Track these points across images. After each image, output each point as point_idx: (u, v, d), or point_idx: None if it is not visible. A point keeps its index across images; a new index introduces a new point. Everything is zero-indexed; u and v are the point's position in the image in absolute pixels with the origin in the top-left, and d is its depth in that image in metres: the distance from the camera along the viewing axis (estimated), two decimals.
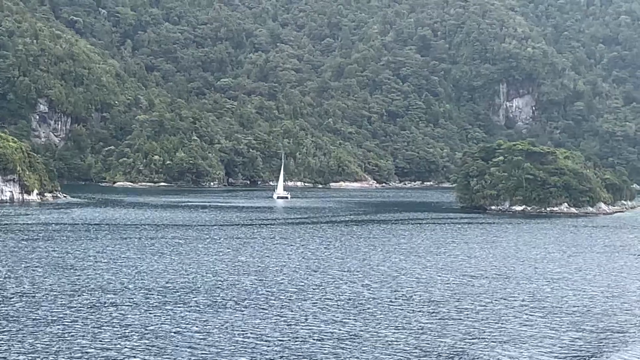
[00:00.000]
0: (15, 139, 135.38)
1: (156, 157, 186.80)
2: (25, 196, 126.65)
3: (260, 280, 57.96)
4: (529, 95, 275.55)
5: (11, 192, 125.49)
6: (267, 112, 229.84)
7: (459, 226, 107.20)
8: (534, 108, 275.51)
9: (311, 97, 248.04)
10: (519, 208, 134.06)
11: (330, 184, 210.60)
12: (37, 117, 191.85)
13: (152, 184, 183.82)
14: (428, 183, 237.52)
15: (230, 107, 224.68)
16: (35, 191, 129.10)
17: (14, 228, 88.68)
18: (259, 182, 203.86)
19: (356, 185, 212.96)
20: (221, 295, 51.89)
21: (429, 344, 41.06)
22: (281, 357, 38.26)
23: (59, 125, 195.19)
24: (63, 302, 48.19)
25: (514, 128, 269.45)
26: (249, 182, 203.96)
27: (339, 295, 53.01)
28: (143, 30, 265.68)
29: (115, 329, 42.13)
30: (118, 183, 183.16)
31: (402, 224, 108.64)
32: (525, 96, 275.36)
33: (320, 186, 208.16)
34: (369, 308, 48.97)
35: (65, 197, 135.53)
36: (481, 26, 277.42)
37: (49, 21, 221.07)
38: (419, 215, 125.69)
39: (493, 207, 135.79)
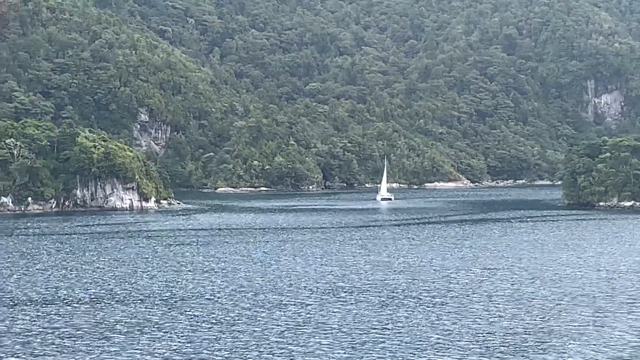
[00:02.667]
0: (131, 148, 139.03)
1: (255, 162, 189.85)
2: (144, 203, 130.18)
3: (416, 278, 59.77)
4: (617, 91, 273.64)
5: (130, 199, 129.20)
6: (358, 115, 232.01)
7: (576, 222, 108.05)
8: (622, 103, 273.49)
9: (400, 99, 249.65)
10: (627, 204, 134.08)
11: (425, 184, 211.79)
12: (139, 127, 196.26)
13: (252, 188, 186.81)
14: (520, 181, 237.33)
15: (323, 111, 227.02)
16: (153, 198, 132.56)
17: (152, 234, 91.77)
18: (355, 185, 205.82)
19: (451, 185, 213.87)
20: (391, 292, 53.78)
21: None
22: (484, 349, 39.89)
23: (159, 134, 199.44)
24: (250, 303, 50.51)
25: (602, 124, 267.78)
26: (345, 184, 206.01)
27: (504, 291, 54.56)
28: (230, 38, 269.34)
29: (306, 326, 44.21)
30: (220, 189, 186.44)
31: (519, 221, 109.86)
32: (614, 92, 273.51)
33: (415, 187, 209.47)
34: (539, 304, 50.46)
35: (179, 203, 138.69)
36: (567, 23, 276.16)
37: (143, 31, 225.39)
38: (530, 212, 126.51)
39: (601, 204, 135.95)
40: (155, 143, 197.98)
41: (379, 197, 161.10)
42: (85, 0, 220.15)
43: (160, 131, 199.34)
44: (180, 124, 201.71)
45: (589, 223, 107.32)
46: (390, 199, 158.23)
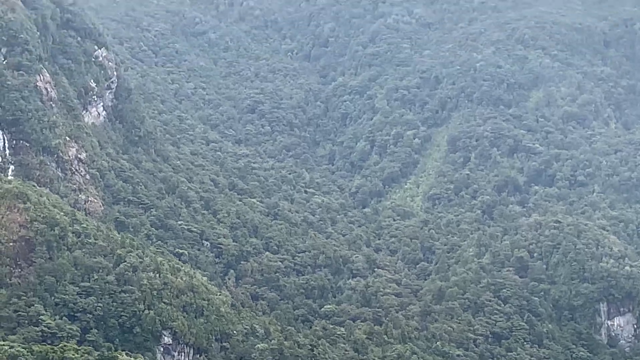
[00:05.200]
0: None
1: None
2: None
3: None
4: (629, 314, 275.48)
5: None
6: (377, 338, 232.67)
7: None
8: (635, 326, 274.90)
9: (416, 321, 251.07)
10: None
11: None
12: (162, 349, 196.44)
13: None
14: None
15: (341, 334, 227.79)
16: None
17: None
18: None
19: None
20: None
21: None
22: None
23: (182, 356, 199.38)
24: None
25: (617, 346, 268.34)
26: None
27: None
28: (245, 260, 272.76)
29: None
30: None
31: None
32: (626, 314, 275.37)
33: None
34: None
35: None
36: (577, 246, 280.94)
37: (164, 255, 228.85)
38: None
39: None
40: None
41: None
42: (109, 224, 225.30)
43: (182, 354, 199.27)
44: (203, 347, 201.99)
45: None
46: None
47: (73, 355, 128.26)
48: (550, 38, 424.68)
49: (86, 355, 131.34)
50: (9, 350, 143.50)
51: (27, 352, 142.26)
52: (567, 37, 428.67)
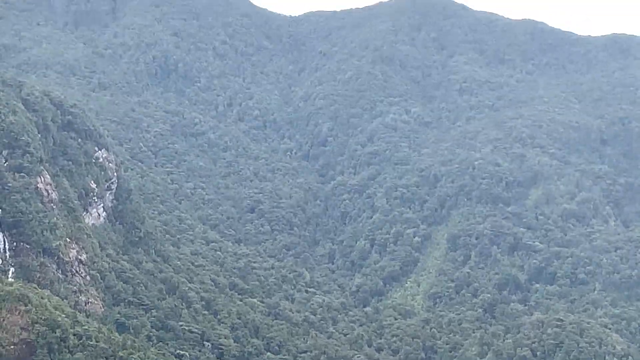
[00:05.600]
0: None
1: None
2: None
3: None
4: None
5: None
6: None
7: None
8: None
9: None
10: None
11: None
12: None
13: None
14: None
15: None
16: None
17: None
18: None
19: None
20: None
21: None
22: None
23: None
24: None
25: None
26: None
27: None
28: None
29: None
30: None
31: None
32: None
33: None
34: None
35: None
36: (580, 345, 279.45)
37: (165, 356, 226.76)
38: None
39: None
40: None
41: None
42: (110, 325, 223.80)
43: None
44: None
45: None
46: None
47: None
48: (548, 136, 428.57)
49: None
50: None
51: None
52: (564, 135, 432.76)
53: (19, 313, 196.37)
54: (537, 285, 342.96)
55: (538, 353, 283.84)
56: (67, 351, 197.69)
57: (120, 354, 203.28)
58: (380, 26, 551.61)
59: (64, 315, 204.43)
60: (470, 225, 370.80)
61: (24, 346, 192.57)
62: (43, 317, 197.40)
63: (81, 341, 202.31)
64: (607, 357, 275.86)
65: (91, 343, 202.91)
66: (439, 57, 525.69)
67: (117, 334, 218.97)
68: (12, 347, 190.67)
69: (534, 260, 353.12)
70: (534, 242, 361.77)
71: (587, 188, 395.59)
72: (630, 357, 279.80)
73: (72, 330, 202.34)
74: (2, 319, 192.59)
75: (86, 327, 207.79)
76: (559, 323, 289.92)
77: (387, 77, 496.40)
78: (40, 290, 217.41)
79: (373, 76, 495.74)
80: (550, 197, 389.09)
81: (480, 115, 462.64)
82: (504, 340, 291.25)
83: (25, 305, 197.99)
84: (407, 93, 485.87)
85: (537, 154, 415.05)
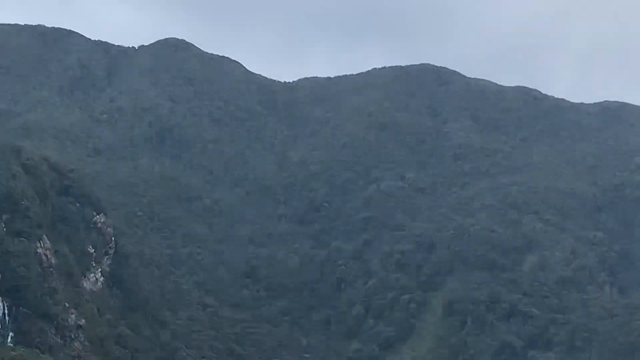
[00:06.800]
0: None
1: None
2: None
3: None
4: None
5: None
6: None
7: None
8: None
9: None
10: None
11: None
12: None
13: None
14: None
15: None
16: None
17: None
18: None
19: None
20: None
21: None
22: None
23: None
24: None
25: None
26: None
27: None
28: None
29: None
30: None
31: None
32: None
33: None
34: None
35: None
36: None
37: None
38: None
39: None
40: None
41: None
42: None
43: None
44: None
45: None
46: None
47: None
48: (543, 202, 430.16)
49: None
50: None
51: None
52: (559, 202, 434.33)
53: None
54: (534, 351, 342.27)
55: None
56: None
57: None
58: (374, 92, 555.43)
59: None
60: (466, 292, 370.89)
61: None
62: None
63: None
64: None
65: None
66: (433, 123, 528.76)
67: None
68: None
69: (530, 327, 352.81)
70: (530, 308, 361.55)
71: (583, 255, 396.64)
72: None
73: None
74: None
75: None
76: None
77: (382, 143, 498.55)
78: (42, 355, 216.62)
79: (368, 142, 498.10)
80: (545, 264, 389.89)
81: (475, 181, 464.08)
82: None
83: None
84: (402, 159, 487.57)
85: (533, 220, 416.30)
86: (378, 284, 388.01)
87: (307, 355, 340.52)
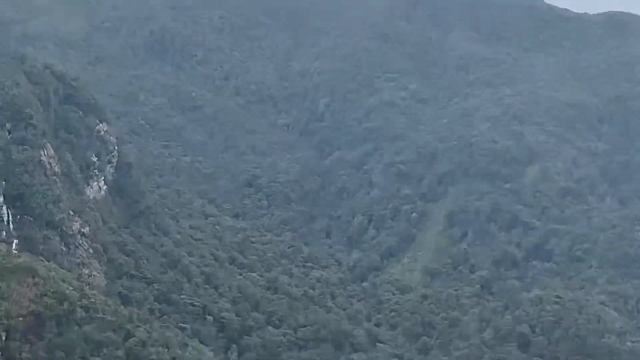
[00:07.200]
0: None
1: None
2: None
3: None
4: None
5: None
6: None
7: None
8: None
9: None
10: None
11: None
12: None
13: None
14: None
15: None
16: None
17: None
18: None
19: None
20: None
21: None
22: None
23: None
24: None
25: None
26: None
27: None
28: (248, 335, 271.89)
29: None
30: None
31: None
32: None
33: None
34: None
35: None
36: (579, 322, 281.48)
37: (170, 329, 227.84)
38: None
39: None
40: None
41: None
42: (115, 299, 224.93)
43: None
44: None
45: None
46: None
47: None
48: (546, 114, 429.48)
49: None
50: None
51: None
52: (562, 113, 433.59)
53: (27, 285, 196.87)
54: (534, 262, 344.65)
55: (537, 329, 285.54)
56: (75, 324, 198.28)
57: (127, 326, 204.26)
58: (377, 2, 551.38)
59: (71, 288, 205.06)
60: (467, 202, 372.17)
61: (32, 318, 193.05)
62: (51, 290, 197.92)
63: (88, 314, 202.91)
64: (605, 334, 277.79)
65: (98, 316, 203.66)
66: (436, 33, 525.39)
67: (122, 307, 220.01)
68: (20, 319, 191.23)
69: (531, 238, 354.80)
70: (531, 219, 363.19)
71: (584, 166, 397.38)
72: (627, 334, 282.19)
73: (79, 303, 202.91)
74: (10, 291, 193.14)
75: (93, 300, 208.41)
76: (557, 300, 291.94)
77: (384, 54, 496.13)
78: (48, 263, 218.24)
79: (370, 52, 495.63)
80: (547, 175, 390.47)
81: (478, 92, 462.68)
82: (502, 317, 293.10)
83: (33, 278, 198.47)
84: (404, 69, 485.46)
85: (535, 131, 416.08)
86: (380, 194, 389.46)
87: (309, 265, 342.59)
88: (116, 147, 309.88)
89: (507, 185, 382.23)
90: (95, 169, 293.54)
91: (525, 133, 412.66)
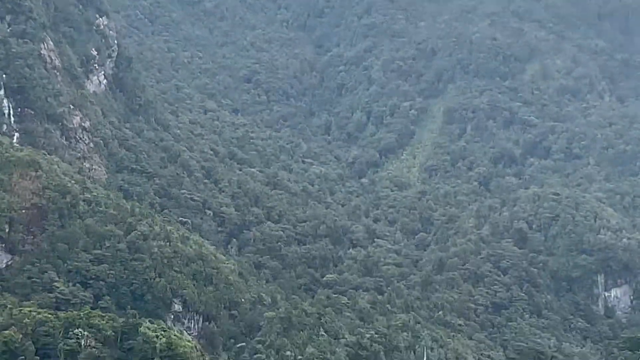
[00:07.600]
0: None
1: (288, 352, 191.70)
2: None
3: None
4: (626, 285, 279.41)
5: None
6: (380, 307, 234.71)
7: None
8: (631, 297, 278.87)
9: (417, 291, 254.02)
10: None
11: None
12: (172, 317, 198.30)
13: None
14: None
15: (345, 303, 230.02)
16: None
17: None
18: None
19: None
20: None
21: None
22: None
23: (192, 324, 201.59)
24: None
25: (614, 317, 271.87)
26: None
27: None
28: (247, 229, 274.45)
29: None
30: None
31: None
32: (623, 286, 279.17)
33: None
34: None
35: None
36: (575, 218, 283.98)
37: (171, 224, 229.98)
38: None
39: None
40: (188, 333, 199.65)
41: None
42: (117, 193, 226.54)
43: (192, 321, 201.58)
44: (212, 314, 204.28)
45: None
46: None
47: (99, 321, 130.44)
48: (546, 11, 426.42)
49: (111, 322, 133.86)
50: (36, 316, 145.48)
51: (54, 318, 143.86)
52: (562, 10, 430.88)
53: (29, 178, 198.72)
54: (532, 159, 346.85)
55: (534, 226, 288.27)
56: (77, 217, 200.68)
57: (129, 220, 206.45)
58: None
59: (73, 182, 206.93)
60: (466, 99, 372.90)
61: (35, 211, 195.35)
62: (53, 183, 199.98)
63: (91, 207, 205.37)
64: (601, 231, 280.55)
65: (101, 209, 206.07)
66: None
67: (124, 201, 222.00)
68: (23, 211, 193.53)
69: (529, 135, 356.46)
70: (529, 116, 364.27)
71: (584, 63, 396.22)
72: (624, 230, 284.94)
73: (81, 196, 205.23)
74: (13, 184, 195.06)
75: (95, 194, 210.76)
76: (554, 197, 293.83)
77: None
78: (49, 156, 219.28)
79: None
80: (546, 72, 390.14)
81: None
82: (500, 213, 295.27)
83: (36, 171, 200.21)
84: None
85: (534, 28, 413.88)
86: (379, 91, 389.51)
87: (308, 160, 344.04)
88: (116, 42, 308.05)
89: (506, 83, 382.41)
90: (95, 63, 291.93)
91: (525, 30, 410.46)
